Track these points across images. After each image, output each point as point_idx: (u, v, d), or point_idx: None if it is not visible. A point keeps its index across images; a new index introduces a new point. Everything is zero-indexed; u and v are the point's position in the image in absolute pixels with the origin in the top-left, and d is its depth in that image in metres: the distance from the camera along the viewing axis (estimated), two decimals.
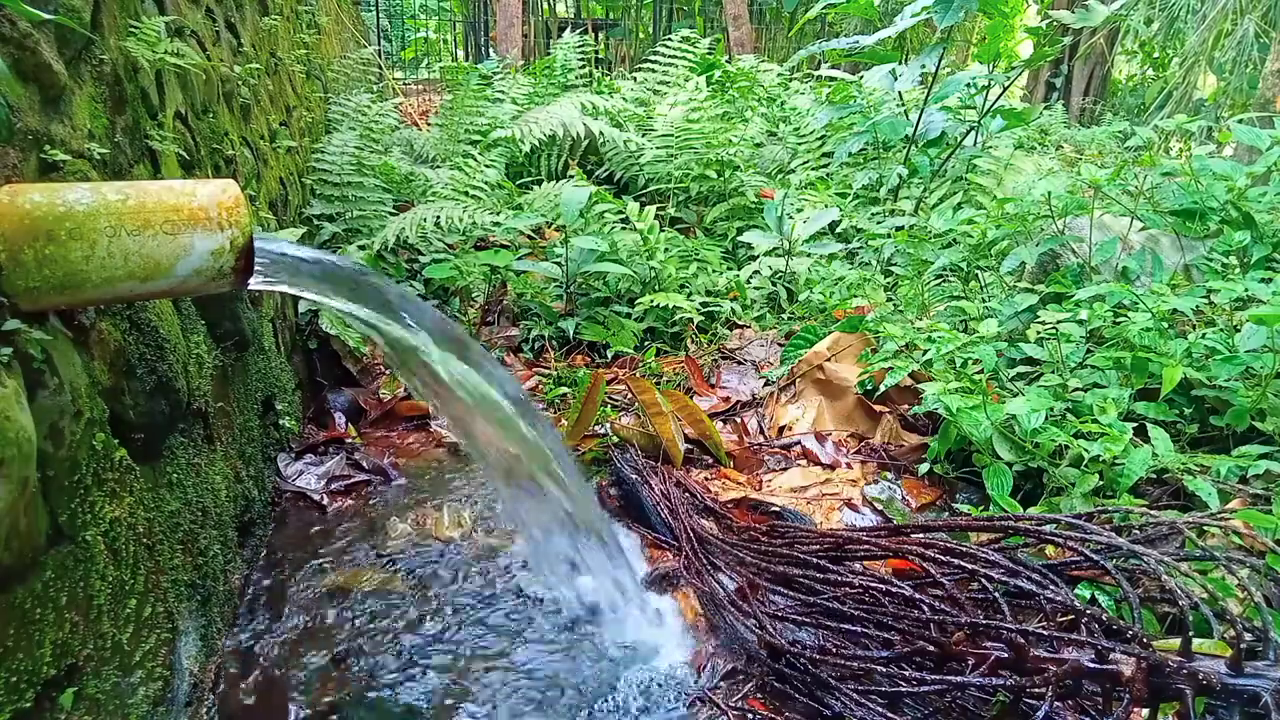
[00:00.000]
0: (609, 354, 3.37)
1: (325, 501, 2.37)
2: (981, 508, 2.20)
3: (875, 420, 2.72)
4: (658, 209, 4.06)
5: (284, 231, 2.82)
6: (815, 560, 1.87)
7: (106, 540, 1.30)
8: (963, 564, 1.67)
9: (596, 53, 10.34)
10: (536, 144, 4.83)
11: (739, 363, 3.25)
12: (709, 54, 5.77)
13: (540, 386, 3.16)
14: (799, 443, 2.68)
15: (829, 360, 2.88)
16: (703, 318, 3.46)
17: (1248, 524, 1.67)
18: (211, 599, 1.72)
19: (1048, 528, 1.69)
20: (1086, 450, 2.00)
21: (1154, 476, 2.04)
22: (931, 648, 1.53)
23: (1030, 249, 2.90)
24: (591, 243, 3.44)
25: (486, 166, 4.22)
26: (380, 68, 6.86)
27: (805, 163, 4.88)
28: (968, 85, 4.06)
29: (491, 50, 10.79)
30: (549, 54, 6.69)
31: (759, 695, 1.68)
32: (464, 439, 1.99)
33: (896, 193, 4.32)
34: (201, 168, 2.12)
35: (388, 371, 3.16)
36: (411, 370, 1.68)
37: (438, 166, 4.58)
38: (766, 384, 3.06)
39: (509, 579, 2.05)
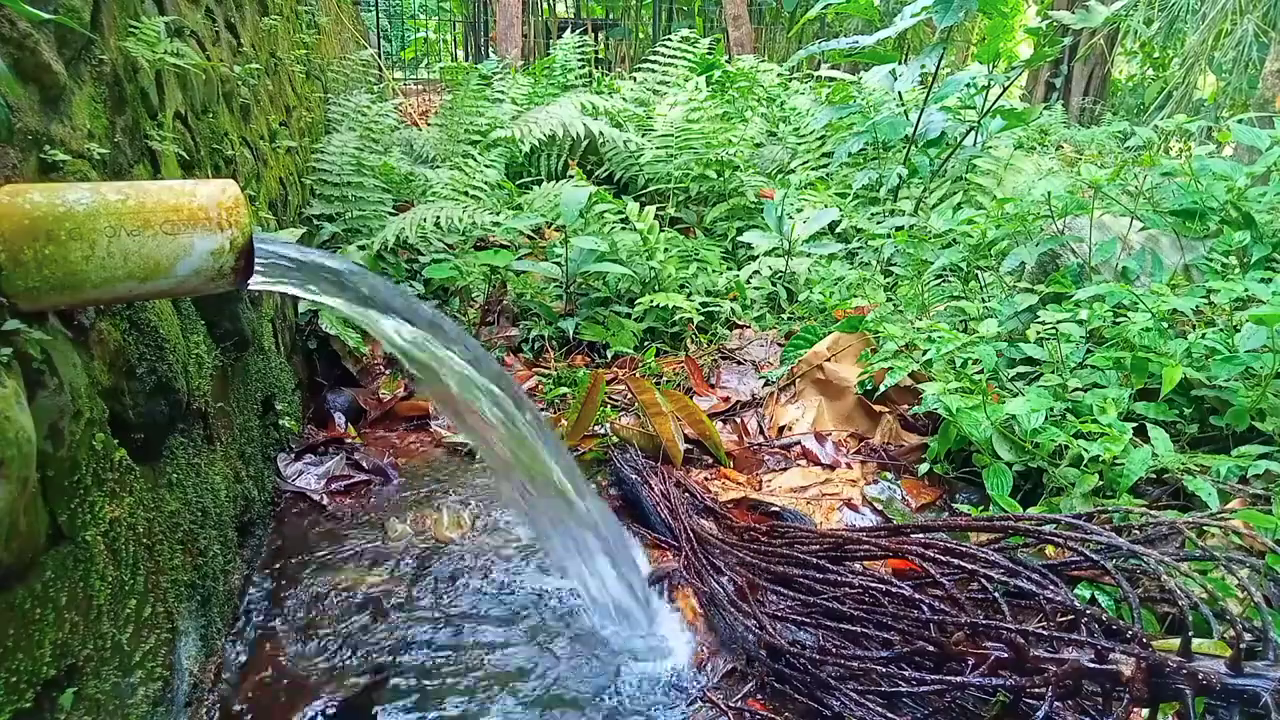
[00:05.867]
0: (609, 354, 3.37)
1: (325, 501, 2.37)
2: (981, 508, 2.21)
3: (875, 420, 2.72)
4: (657, 209, 4.05)
5: (284, 232, 2.82)
6: (815, 560, 1.87)
7: (106, 540, 1.30)
8: (962, 564, 1.67)
9: (596, 53, 10.35)
10: (536, 144, 4.83)
11: (739, 363, 3.25)
12: (709, 54, 5.76)
13: (540, 387, 3.16)
14: (799, 443, 2.68)
15: (829, 360, 2.88)
16: (702, 318, 3.46)
17: (1248, 524, 1.67)
18: (211, 599, 1.71)
19: (1048, 528, 1.69)
20: (1086, 450, 2.00)
21: (1154, 476, 2.04)
22: (931, 648, 1.53)
23: (1030, 249, 2.90)
24: (591, 243, 3.44)
25: (486, 166, 4.22)
26: (380, 68, 6.85)
27: (805, 163, 4.88)
28: (967, 85, 4.06)
29: (491, 50, 10.79)
30: (549, 54, 6.68)
31: (759, 695, 1.68)
32: (480, 443, 2.02)
33: (896, 193, 4.32)
34: (201, 168, 2.12)
35: (387, 372, 3.16)
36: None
37: (437, 166, 4.57)
38: (766, 384, 3.06)
39: (509, 579, 2.05)
